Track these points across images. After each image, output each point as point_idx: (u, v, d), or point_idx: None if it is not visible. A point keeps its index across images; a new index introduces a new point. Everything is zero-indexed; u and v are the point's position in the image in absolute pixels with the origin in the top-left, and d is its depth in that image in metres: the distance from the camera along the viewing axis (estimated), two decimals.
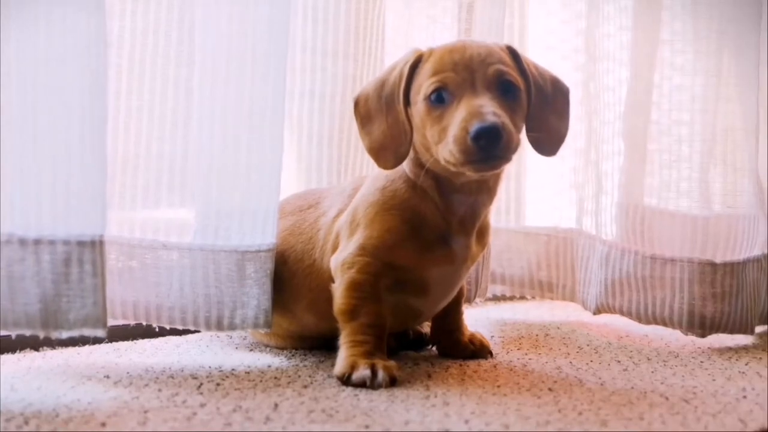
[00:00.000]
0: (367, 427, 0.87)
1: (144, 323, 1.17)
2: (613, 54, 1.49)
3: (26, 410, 0.90)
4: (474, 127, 0.99)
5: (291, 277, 1.19)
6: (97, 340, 1.24)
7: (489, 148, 1.00)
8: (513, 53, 1.12)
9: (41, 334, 0.99)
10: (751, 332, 1.43)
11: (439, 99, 1.05)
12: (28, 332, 0.99)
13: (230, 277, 1.15)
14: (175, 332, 1.29)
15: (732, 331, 1.40)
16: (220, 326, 1.15)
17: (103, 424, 0.86)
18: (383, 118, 1.11)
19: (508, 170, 1.58)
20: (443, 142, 1.03)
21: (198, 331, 1.30)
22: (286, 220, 1.22)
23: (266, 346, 1.29)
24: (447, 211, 1.11)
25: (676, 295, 1.40)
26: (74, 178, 1.00)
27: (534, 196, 1.67)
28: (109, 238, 1.13)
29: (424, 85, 1.07)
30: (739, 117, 1.45)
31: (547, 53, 1.62)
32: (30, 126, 0.98)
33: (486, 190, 1.13)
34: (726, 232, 1.43)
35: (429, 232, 1.11)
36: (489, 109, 1.01)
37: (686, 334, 1.41)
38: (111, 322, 1.22)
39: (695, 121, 1.44)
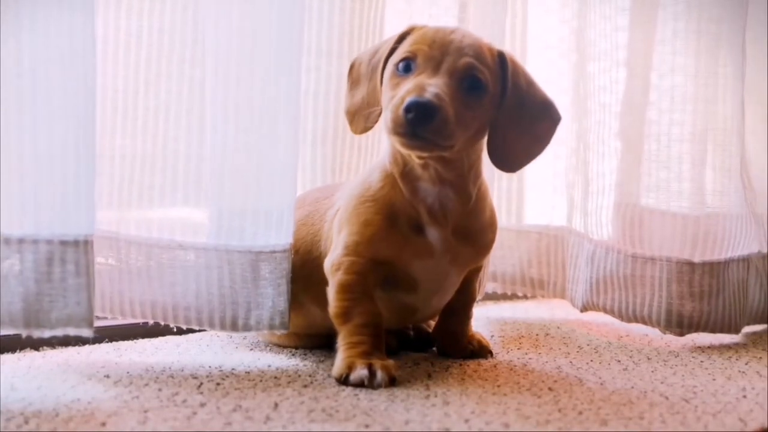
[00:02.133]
0: (367, 426, 0.87)
1: (162, 323, 1.17)
2: (608, 53, 1.48)
3: (26, 409, 0.90)
4: (409, 98, 1.00)
5: (301, 268, 1.19)
6: (96, 340, 1.24)
7: (416, 124, 1.00)
8: (501, 59, 1.10)
9: (24, 333, 0.99)
10: (736, 332, 1.42)
11: (406, 69, 1.06)
12: (10, 331, 0.99)
13: (244, 278, 1.14)
14: (175, 332, 1.29)
15: (714, 331, 1.39)
16: (234, 327, 1.15)
17: (103, 424, 0.86)
18: (366, 84, 1.13)
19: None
20: (387, 109, 1.05)
21: (197, 330, 1.29)
22: (303, 210, 1.23)
23: (268, 344, 1.28)
24: (414, 199, 1.11)
25: (655, 293, 1.40)
26: (60, 178, 0.99)
27: (530, 195, 1.67)
28: (128, 238, 1.14)
29: (398, 52, 1.09)
30: (728, 117, 1.44)
31: (545, 52, 1.62)
32: (15, 126, 0.98)
33: (449, 185, 1.11)
34: (706, 231, 1.42)
35: (402, 223, 1.11)
36: (433, 89, 1.01)
37: (664, 333, 1.41)
38: (122, 321, 1.23)
39: (678, 122, 1.43)
